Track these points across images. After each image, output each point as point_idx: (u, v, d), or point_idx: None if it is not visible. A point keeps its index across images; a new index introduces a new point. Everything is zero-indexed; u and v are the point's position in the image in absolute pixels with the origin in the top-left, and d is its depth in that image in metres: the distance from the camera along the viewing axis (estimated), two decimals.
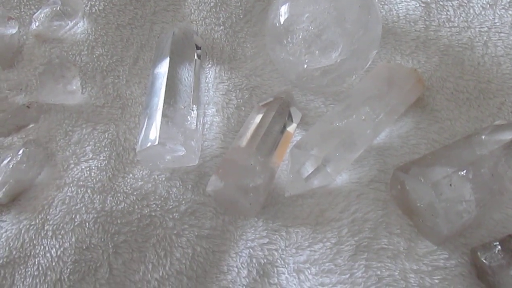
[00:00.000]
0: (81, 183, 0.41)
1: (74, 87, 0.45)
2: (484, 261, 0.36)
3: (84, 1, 0.49)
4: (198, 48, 0.47)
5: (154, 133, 0.39)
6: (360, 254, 0.38)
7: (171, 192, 0.41)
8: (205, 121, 0.45)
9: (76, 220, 0.39)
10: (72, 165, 0.42)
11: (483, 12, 0.47)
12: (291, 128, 0.43)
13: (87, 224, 0.39)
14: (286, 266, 0.38)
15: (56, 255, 0.37)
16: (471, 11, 0.47)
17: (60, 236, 0.38)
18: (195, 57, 0.46)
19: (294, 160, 0.40)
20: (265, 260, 0.38)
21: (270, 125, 0.42)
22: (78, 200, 0.40)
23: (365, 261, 0.37)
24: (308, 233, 0.39)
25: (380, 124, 0.42)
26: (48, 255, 0.37)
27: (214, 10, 0.50)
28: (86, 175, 0.41)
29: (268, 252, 0.38)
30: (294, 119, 0.43)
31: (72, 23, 0.48)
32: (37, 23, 0.48)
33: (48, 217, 0.39)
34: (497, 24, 0.46)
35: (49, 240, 0.38)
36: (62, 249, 0.38)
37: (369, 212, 0.40)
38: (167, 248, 0.38)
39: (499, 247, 0.35)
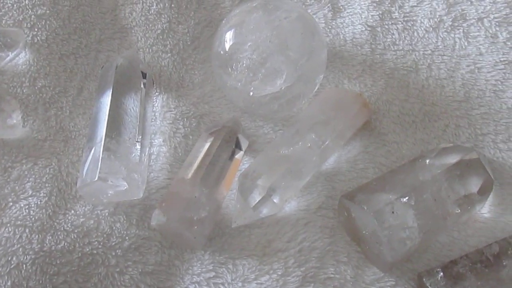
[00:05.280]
0: (19, 222, 0.39)
1: (15, 121, 0.44)
2: (429, 287, 0.36)
3: (25, 31, 0.47)
4: (144, 76, 0.46)
5: (95, 168, 0.38)
6: (306, 284, 0.37)
7: (114, 228, 0.40)
8: (152, 151, 0.44)
9: (12, 262, 0.37)
10: (11, 203, 0.41)
11: (426, 35, 0.47)
12: (239, 155, 0.43)
13: (24, 266, 0.37)
14: None
15: None
16: (415, 34, 0.48)
17: None
18: (142, 85, 0.46)
19: (241, 190, 0.40)
20: None
21: (216, 154, 0.41)
22: (15, 241, 0.38)
23: None
24: (255, 265, 0.38)
25: (327, 151, 0.42)
26: None
27: (161, 37, 0.49)
28: (24, 213, 0.40)
29: (214, 287, 0.38)
30: (242, 147, 0.43)
31: (13, 54, 0.46)
32: None
33: None
34: (440, 47, 0.47)
35: None
36: None
37: (317, 240, 0.39)
38: (109, 287, 0.37)
39: (441, 273, 0.35)
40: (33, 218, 0.40)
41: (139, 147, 0.42)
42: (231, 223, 0.40)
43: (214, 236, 0.40)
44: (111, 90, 0.43)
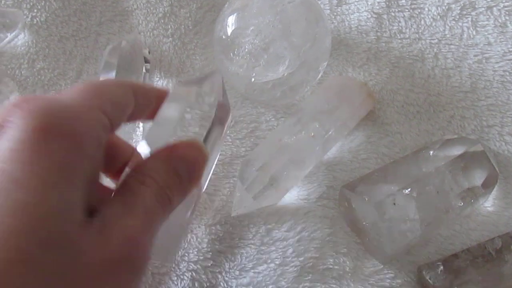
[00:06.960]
0: None
1: None
2: (429, 280, 0.35)
3: (25, 12, 0.46)
4: (146, 61, 0.46)
5: None
6: (304, 275, 0.37)
7: None
8: None
9: None
10: None
11: (433, 24, 0.46)
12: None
13: None
14: None
15: None
16: (422, 22, 0.46)
17: None
18: (144, 70, 0.45)
19: (242, 178, 0.39)
20: (208, 284, 0.37)
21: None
22: None
23: (310, 283, 0.36)
24: (253, 254, 0.38)
25: (330, 141, 0.41)
26: None
27: (162, 21, 0.48)
28: None
29: (211, 275, 0.37)
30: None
31: (12, 35, 0.45)
32: None
33: None
34: (447, 35, 0.45)
35: None
36: None
37: (316, 230, 0.39)
38: None
39: (442, 267, 0.35)
40: None
41: (140, 133, 0.41)
42: (231, 211, 0.39)
43: (215, 223, 0.39)
44: (114, 75, 0.42)
